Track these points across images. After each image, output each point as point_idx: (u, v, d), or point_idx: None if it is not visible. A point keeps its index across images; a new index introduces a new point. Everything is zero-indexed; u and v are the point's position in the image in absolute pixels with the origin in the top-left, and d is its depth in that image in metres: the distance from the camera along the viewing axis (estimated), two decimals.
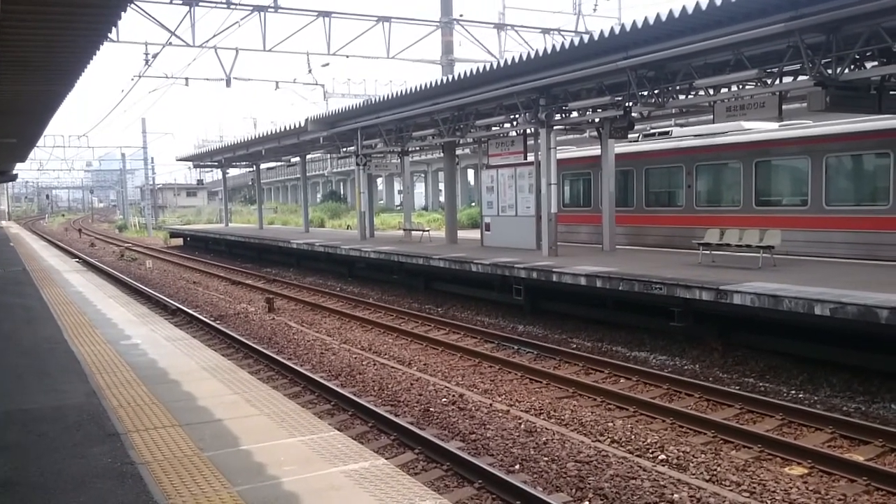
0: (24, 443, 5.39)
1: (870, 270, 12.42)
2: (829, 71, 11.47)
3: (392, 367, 11.79)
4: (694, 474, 7.18)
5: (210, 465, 4.91)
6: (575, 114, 17.32)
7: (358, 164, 25.67)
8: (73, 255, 31.76)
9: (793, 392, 9.97)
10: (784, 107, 12.93)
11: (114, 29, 10.66)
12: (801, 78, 12.48)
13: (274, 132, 30.21)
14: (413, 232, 25.27)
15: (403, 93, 20.56)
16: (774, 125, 16.04)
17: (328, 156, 51.60)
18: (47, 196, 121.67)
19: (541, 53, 15.11)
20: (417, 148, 26.30)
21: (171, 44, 20.67)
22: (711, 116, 14.55)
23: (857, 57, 11.60)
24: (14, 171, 52.09)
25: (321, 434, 5.54)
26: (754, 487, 6.84)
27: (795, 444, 7.88)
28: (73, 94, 14.72)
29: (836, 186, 14.62)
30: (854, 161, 14.53)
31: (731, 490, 6.79)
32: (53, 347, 8.87)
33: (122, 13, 9.60)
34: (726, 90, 14.11)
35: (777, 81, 12.78)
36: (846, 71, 11.45)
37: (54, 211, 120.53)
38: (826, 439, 8.21)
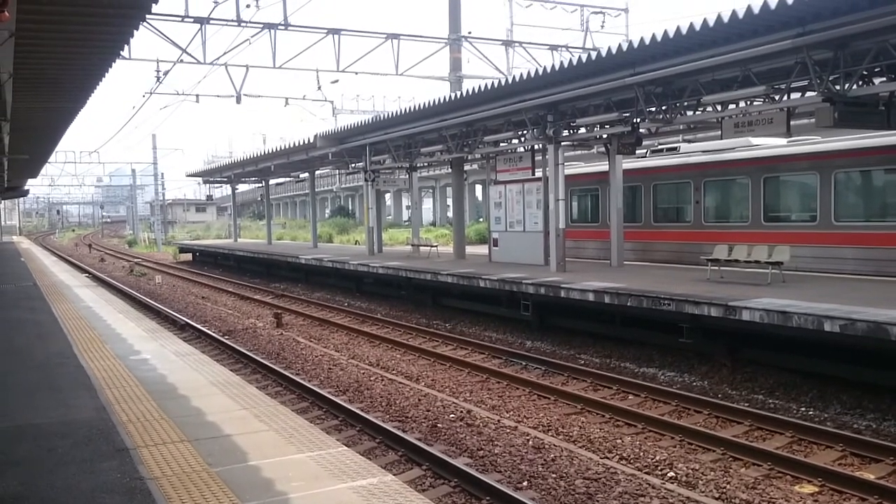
0: (34, 457, 5.41)
1: (880, 287, 12.36)
2: (837, 87, 11.49)
3: (400, 383, 11.78)
4: (703, 492, 7.13)
5: (219, 480, 4.91)
6: (583, 130, 17.37)
7: (366, 180, 25.79)
8: (84, 271, 31.95)
9: (803, 409, 9.91)
10: (792, 123, 12.96)
11: (126, 46, 10.81)
12: (809, 94, 12.51)
13: (283, 148, 30.40)
14: (421, 247, 25.32)
15: (412, 109, 20.68)
16: (783, 141, 16.05)
17: (337, 171, 51.84)
18: (58, 211, 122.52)
19: (549, 70, 15.19)
20: (426, 164, 26.41)
21: (182, 61, 20.87)
22: (719, 132, 14.57)
23: (865, 73, 11.62)
24: (25, 187, 52.59)
25: (329, 450, 5.55)
26: None
27: (806, 462, 7.82)
28: (85, 110, 14.90)
29: (845, 202, 14.60)
30: (863, 177, 14.52)
31: None
32: (63, 362, 8.90)
33: (135, 31, 9.74)
34: (734, 106, 14.13)
35: (785, 97, 12.81)
36: (854, 87, 11.47)
37: (65, 226, 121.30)
38: (837, 457, 8.14)
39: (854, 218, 14.40)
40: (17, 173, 33.95)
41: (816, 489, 7.29)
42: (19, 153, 22.55)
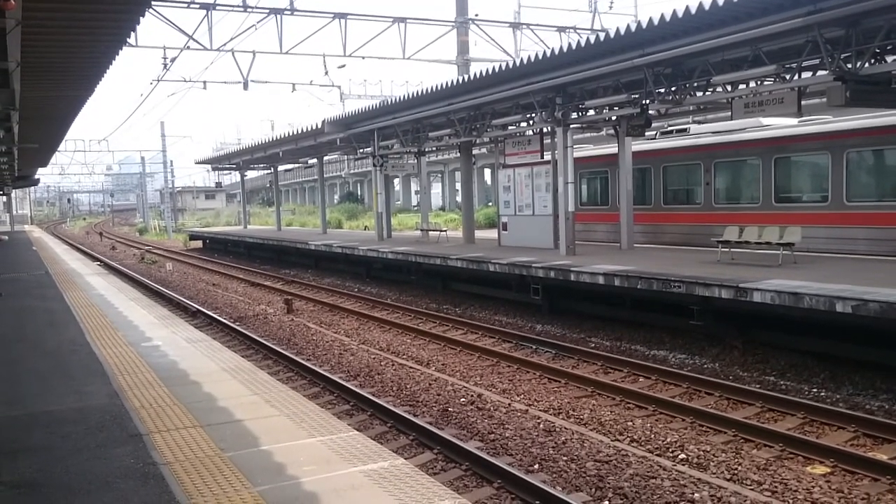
0: (48, 444, 5.46)
1: (893, 267, 12.26)
2: (849, 65, 11.36)
3: (410, 368, 11.81)
4: (714, 473, 7.14)
5: (231, 465, 4.95)
6: (591, 112, 17.26)
7: (375, 165, 25.75)
8: (95, 259, 32.12)
9: (814, 390, 9.88)
10: (803, 102, 12.82)
11: (133, 34, 10.78)
12: (820, 73, 12.37)
13: (291, 134, 30.38)
14: (430, 232, 25.30)
15: (419, 93, 20.60)
16: (794, 121, 15.90)
17: (345, 157, 51.75)
18: (68, 200, 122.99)
19: (557, 52, 15.07)
20: (434, 148, 26.36)
21: (188, 48, 20.84)
22: (730, 113, 14.44)
23: (878, 51, 11.47)
24: (36, 176, 52.80)
25: (340, 434, 5.57)
26: (776, 487, 6.78)
27: (817, 443, 7.81)
28: (94, 98, 14.93)
29: (857, 182, 14.47)
30: (875, 156, 14.37)
31: (752, 489, 6.74)
32: (76, 349, 8.97)
33: (141, 17, 9.71)
34: (744, 86, 14.00)
35: (796, 77, 12.67)
36: (866, 65, 11.33)
37: (75, 215, 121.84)
38: (849, 438, 8.12)
39: (866, 198, 14.28)
40: (27, 162, 34.08)
41: (828, 470, 7.28)
42: (29, 142, 22.62)
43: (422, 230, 26.06)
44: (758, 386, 10.14)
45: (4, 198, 57.64)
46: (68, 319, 11.40)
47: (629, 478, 6.94)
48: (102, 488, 4.59)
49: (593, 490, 6.79)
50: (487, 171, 55.20)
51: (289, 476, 4.72)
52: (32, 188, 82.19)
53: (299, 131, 29.20)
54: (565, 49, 14.88)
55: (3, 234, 22.32)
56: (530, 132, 19.93)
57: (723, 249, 14.34)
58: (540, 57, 15.53)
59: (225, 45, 21.57)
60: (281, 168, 42.24)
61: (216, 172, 52.66)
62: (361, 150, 28.38)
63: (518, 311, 16.33)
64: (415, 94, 20.95)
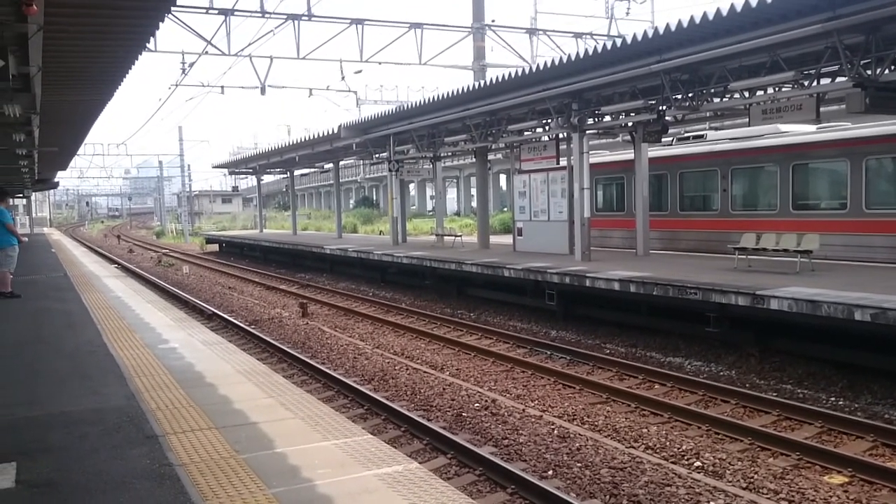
0: (66, 444, 5.50)
1: None
2: (869, 72, 11.27)
3: (425, 372, 11.81)
4: (730, 482, 7.08)
5: (246, 467, 4.96)
6: (608, 118, 17.22)
7: (390, 170, 25.81)
8: (113, 261, 32.38)
9: (832, 399, 9.78)
10: (822, 109, 12.73)
11: (152, 38, 10.88)
12: (839, 79, 12.28)
13: (307, 139, 30.52)
14: (445, 237, 25.31)
15: (435, 99, 20.64)
16: (812, 127, 15.79)
17: (361, 162, 51.97)
18: (87, 203, 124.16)
19: (573, 58, 15.05)
20: (449, 153, 26.37)
21: (207, 53, 21.03)
22: (747, 119, 14.36)
23: None
24: (55, 179, 53.35)
25: (355, 438, 5.57)
26: (793, 496, 6.72)
27: (835, 452, 7.73)
28: (112, 103, 15.02)
29: (876, 189, 14.33)
30: (895, 163, 14.22)
31: (768, 498, 6.68)
32: (94, 351, 9.03)
33: (160, 23, 9.80)
34: (762, 92, 13.91)
35: (814, 83, 12.58)
36: (886, 71, 11.23)
37: (94, 218, 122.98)
38: (867, 447, 8.03)
39: (886, 205, 14.14)
40: (47, 165, 34.40)
41: (846, 479, 7.20)
42: (49, 145, 22.83)
43: (437, 235, 26.07)
44: (774, 394, 10.06)
45: (24, 200, 58.26)
46: (86, 321, 11.48)
47: (644, 485, 6.90)
48: (119, 489, 4.62)
49: (608, 497, 6.75)
50: (503, 177, 55.20)
51: (303, 479, 4.73)
52: (52, 191, 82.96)
53: (316, 136, 29.34)
54: (582, 55, 14.87)
55: (24, 235, 22.51)
56: (546, 138, 19.90)
57: (740, 256, 14.25)
58: (556, 63, 15.52)
59: (242, 50, 21.77)
60: (297, 172, 42.42)
61: (233, 177, 53.00)
62: (377, 155, 28.47)
63: (533, 316, 16.29)
64: (431, 100, 20.99)
